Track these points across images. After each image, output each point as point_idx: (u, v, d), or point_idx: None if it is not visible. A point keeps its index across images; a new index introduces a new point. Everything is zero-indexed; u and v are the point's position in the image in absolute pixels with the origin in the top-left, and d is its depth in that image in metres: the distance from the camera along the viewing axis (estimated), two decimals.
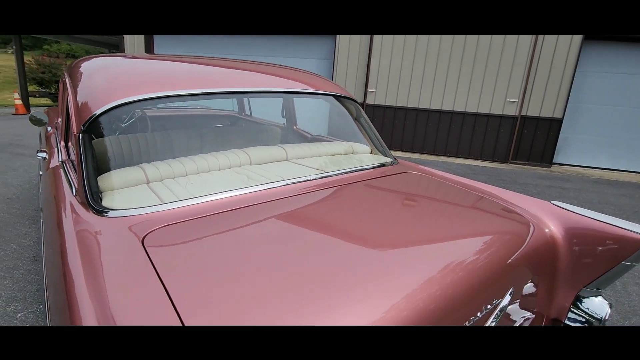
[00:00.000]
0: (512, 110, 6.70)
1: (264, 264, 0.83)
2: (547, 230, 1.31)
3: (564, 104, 6.47)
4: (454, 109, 6.95)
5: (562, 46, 6.29)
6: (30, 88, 11.79)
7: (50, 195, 1.31)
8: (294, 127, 2.65)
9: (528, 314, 1.27)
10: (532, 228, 1.28)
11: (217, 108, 3.34)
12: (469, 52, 6.71)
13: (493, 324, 0.94)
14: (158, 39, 8.34)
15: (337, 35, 7.09)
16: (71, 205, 1.10)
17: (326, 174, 1.49)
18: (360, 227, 1.10)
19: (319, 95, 1.89)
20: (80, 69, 1.45)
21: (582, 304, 1.33)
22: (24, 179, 3.92)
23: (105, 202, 1.06)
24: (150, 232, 0.92)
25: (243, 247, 0.90)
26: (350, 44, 7.18)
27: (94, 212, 1.01)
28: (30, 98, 10.26)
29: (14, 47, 9.94)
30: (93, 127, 1.16)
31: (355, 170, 1.60)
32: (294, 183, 1.34)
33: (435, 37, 6.77)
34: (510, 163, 6.92)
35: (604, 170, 6.79)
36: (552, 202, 1.41)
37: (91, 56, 1.57)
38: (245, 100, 3.18)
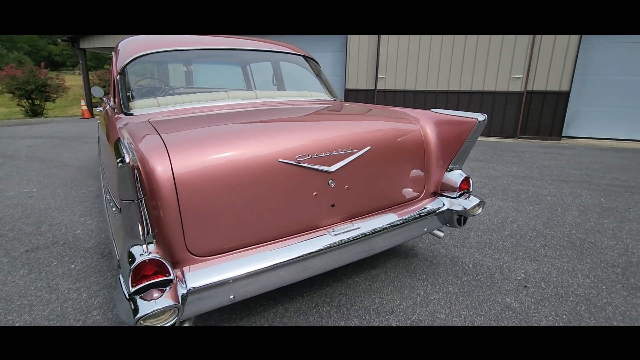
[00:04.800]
0: (517, 86, 6.94)
1: (215, 123, 1.59)
2: (422, 126, 1.91)
3: (570, 77, 6.60)
4: (461, 89, 7.32)
5: None
6: (95, 100, 13.81)
7: (102, 116, 2.18)
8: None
9: (414, 193, 1.89)
10: (408, 121, 1.90)
11: (232, 88, 4.20)
12: (472, 35, 7.05)
13: (347, 161, 1.59)
14: None
15: None
16: (113, 113, 1.95)
17: (271, 99, 2.22)
18: (281, 115, 1.84)
19: (293, 56, 2.67)
20: (121, 43, 2.31)
21: (447, 177, 1.92)
22: (89, 156, 5.29)
23: (130, 111, 1.88)
24: (152, 118, 1.73)
25: (201, 121, 1.69)
26: (360, 36, 7.81)
27: (124, 114, 1.84)
28: (93, 108, 12.09)
29: (80, 64, 11.78)
30: (124, 72, 2.00)
31: (299, 100, 2.32)
32: (249, 102, 2.10)
33: None
34: (519, 138, 7.13)
35: (619, 140, 6.78)
36: (431, 109, 2.01)
37: (129, 36, 2.44)
38: (251, 80, 4.01)
